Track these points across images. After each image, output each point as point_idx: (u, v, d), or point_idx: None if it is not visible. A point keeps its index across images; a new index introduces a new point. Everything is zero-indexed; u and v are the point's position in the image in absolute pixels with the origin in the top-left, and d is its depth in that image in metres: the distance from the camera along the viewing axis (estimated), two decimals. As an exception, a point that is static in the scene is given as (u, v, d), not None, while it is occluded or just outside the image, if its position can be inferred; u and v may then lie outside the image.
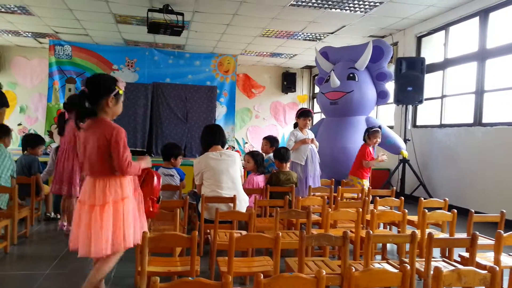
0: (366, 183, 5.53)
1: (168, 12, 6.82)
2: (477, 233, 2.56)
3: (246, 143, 12.33)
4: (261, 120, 12.53)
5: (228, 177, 3.74)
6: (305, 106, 12.83)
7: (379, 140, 5.56)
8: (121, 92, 2.51)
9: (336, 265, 2.59)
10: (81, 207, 2.42)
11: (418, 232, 3.41)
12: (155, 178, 2.66)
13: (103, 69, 10.05)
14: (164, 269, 2.33)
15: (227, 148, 9.77)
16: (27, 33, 9.46)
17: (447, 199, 3.94)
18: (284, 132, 12.62)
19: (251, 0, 6.61)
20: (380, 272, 1.76)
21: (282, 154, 4.78)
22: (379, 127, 5.65)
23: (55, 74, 9.86)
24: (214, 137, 3.93)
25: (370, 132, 5.53)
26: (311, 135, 5.56)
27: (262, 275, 1.56)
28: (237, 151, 9.68)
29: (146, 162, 2.65)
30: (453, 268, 1.81)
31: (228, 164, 3.77)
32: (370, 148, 5.50)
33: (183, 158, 8.26)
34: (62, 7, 7.29)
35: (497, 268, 1.81)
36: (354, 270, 1.71)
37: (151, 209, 2.66)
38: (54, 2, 7.05)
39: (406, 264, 1.78)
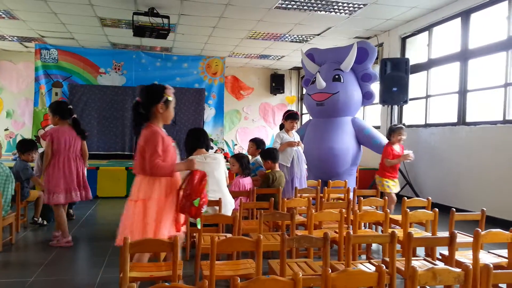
0: (392, 183, 5.37)
1: (153, 15, 6.82)
2: (456, 231, 2.61)
3: (236, 145, 12.35)
4: (250, 121, 12.56)
5: (213, 180, 3.76)
6: (294, 107, 12.90)
7: (403, 137, 5.44)
8: (169, 98, 2.76)
9: (319, 266, 2.62)
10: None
11: (401, 231, 3.47)
12: (195, 180, 2.67)
13: (90, 72, 10.00)
14: (147, 274, 2.34)
15: (216, 151, 9.80)
16: (12, 37, 9.38)
17: (430, 198, 3.99)
18: (273, 133, 12.64)
19: (237, 3, 6.64)
20: (357, 273, 1.79)
21: (274, 154, 4.86)
22: (393, 134, 5.44)
23: (41, 78, 9.78)
24: (198, 140, 3.95)
25: (393, 129, 5.43)
26: (296, 137, 5.59)
27: (238, 278, 1.58)
28: (226, 153, 9.71)
29: (186, 165, 2.73)
30: (429, 267, 1.85)
31: (213, 167, 3.79)
32: (395, 146, 5.41)
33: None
34: (46, 10, 7.25)
35: (471, 266, 1.85)
36: (330, 271, 1.74)
37: (188, 212, 2.70)
38: (38, 6, 7.00)
39: (383, 264, 1.82)
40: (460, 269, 1.85)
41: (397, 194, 7.32)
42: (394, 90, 7.02)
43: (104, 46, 10.01)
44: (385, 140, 6.51)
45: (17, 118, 10.93)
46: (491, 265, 1.83)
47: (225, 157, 9.12)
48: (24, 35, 9.15)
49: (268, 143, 12.43)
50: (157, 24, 6.99)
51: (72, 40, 9.47)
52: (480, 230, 2.61)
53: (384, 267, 1.80)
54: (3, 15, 7.66)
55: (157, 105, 2.71)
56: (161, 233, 2.59)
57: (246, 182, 4.66)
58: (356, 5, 6.66)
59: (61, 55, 9.85)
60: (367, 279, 1.82)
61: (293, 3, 6.61)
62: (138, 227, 2.60)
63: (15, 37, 9.36)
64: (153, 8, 6.80)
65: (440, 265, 2.89)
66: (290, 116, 5.44)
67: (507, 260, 2.72)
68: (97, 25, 8.17)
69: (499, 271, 1.97)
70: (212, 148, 10.48)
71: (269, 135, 12.48)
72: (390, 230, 3.61)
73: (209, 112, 10.79)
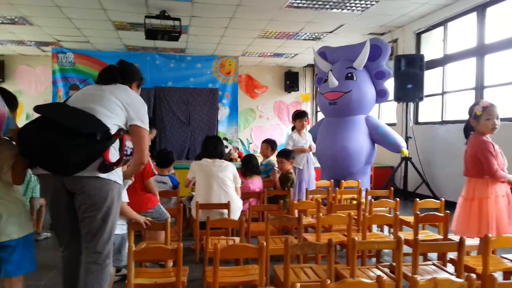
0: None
1: (164, 18, 6.87)
2: (464, 237, 2.55)
3: (251, 143, 12.36)
4: (265, 120, 12.54)
5: (218, 179, 3.79)
6: (308, 104, 12.82)
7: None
8: (478, 113, 3.18)
9: (324, 272, 2.60)
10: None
11: (411, 233, 3.42)
12: None
13: (105, 75, 10.13)
14: (151, 281, 2.37)
15: (230, 150, 9.80)
16: (30, 42, 9.59)
17: (443, 199, 3.92)
18: (288, 131, 12.60)
19: (247, 3, 6.62)
20: (356, 284, 1.77)
21: (294, 156, 5.02)
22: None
23: (58, 81, 9.97)
24: (215, 149, 3.98)
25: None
26: (309, 137, 5.56)
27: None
28: (240, 152, 9.73)
29: None
30: (431, 277, 1.81)
31: (219, 169, 3.83)
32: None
33: (187, 161, 8.29)
34: (60, 16, 7.38)
35: (474, 276, 1.81)
36: (330, 282, 1.73)
37: None
38: (53, 12, 7.14)
39: (383, 275, 1.79)
40: (463, 280, 1.81)
41: (413, 193, 7.23)
42: (409, 87, 6.90)
43: (119, 49, 10.14)
44: (399, 138, 6.42)
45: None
46: (495, 276, 1.78)
47: (240, 157, 9.16)
48: (41, 40, 9.34)
49: (283, 141, 12.44)
50: (169, 27, 7.03)
51: (87, 44, 9.63)
52: (490, 235, 2.55)
53: (386, 277, 1.77)
54: (19, 22, 7.83)
55: (471, 120, 3.24)
56: (505, 230, 3.03)
57: (255, 183, 4.65)
58: (368, 2, 6.56)
59: (77, 59, 10.03)
60: (367, 290, 1.79)
61: (303, 1, 6.56)
62: (474, 223, 3.08)
63: (33, 42, 9.57)
64: (165, 11, 6.85)
65: (451, 269, 2.84)
66: (298, 115, 5.44)
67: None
68: (111, 29, 8.29)
69: (506, 281, 1.91)
70: (227, 147, 10.52)
71: (284, 133, 12.44)
72: (400, 233, 3.58)
73: (223, 112, 10.82)
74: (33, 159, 2.14)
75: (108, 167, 2.17)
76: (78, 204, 2.23)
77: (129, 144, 2.30)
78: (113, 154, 2.21)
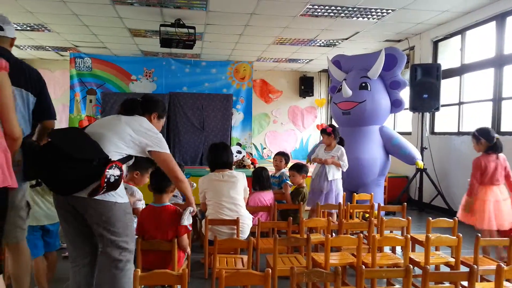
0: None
1: (179, 26, 6.92)
2: (483, 256, 2.49)
3: (265, 148, 12.35)
4: (279, 125, 12.50)
5: (229, 199, 3.78)
6: (323, 110, 12.73)
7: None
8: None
9: (331, 298, 2.57)
10: None
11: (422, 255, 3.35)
12: None
13: (122, 79, 10.28)
14: (156, 305, 2.38)
15: (244, 156, 9.77)
16: (48, 47, 9.78)
17: (456, 218, 3.83)
18: (302, 136, 12.56)
19: (261, 11, 6.61)
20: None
21: (306, 170, 5.04)
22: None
23: (76, 86, 10.15)
24: (218, 159, 3.95)
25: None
26: (337, 152, 5.21)
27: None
28: (253, 159, 9.72)
29: None
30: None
31: (230, 186, 3.81)
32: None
33: (201, 167, 8.29)
34: (78, 23, 7.49)
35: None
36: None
37: None
38: (71, 20, 7.26)
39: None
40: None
41: (428, 204, 7.11)
42: (425, 96, 6.78)
43: (135, 54, 10.26)
44: (414, 150, 6.33)
45: (55, 124, 11.36)
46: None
47: (253, 163, 9.15)
48: (59, 45, 9.52)
49: (296, 146, 12.39)
50: (183, 35, 7.07)
51: (104, 49, 9.76)
52: (502, 265, 2.48)
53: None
54: (38, 28, 7.98)
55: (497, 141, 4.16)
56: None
57: (265, 196, 4.63)
58: (384, 11, 6.47)
59: (94, 63, 10.18)
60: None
61: (319, 10, 6.51)
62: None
63: (51, 47, 9.75)
64: (179, 19, 6.89)
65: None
66: (321, 131, 5.38)
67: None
68: (127, 35, 8.38)
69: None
70: (240, 152, 10.53)
71: (298, 138, 12.41)
72: (411, 254, 3.52)
73: (237, 117, 10.84)
74: (40, 178, 2.50)
75: (96, 191, 2.33)
76: (88, 221, 2.48)
77: (114, 171, 2.34)
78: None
